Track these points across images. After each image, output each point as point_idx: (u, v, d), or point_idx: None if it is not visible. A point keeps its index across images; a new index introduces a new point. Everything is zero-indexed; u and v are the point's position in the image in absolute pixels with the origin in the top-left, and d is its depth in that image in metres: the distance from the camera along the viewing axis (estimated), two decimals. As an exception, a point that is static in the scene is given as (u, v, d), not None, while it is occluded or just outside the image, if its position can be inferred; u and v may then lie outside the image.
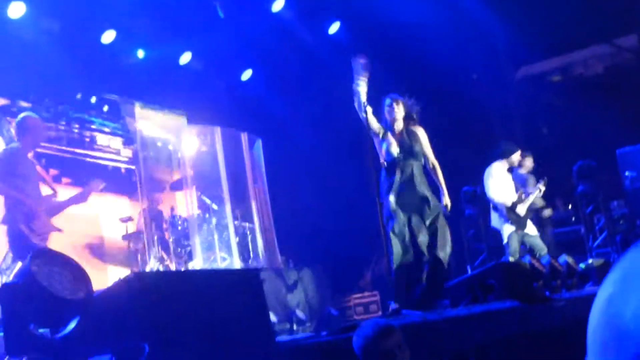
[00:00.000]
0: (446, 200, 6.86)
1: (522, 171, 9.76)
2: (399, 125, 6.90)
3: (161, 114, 11.13)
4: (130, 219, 10.08)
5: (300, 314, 9.83)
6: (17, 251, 6.41)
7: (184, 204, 10.37)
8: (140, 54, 10.90)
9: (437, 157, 7.07)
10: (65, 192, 7.57)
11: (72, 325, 3.87)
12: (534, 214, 9.60)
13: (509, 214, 8.85)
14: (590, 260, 9.44)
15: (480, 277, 6.49)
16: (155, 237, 9.56)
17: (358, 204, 9.74)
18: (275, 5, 11.31)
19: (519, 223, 8.86)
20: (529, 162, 9.83)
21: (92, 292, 4.07)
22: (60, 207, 6.78)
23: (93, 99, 10.78)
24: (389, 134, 6.85)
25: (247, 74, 12.60)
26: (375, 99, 6.82)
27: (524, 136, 13.01)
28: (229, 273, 6.51)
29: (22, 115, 6.88)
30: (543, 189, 9.25)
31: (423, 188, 6.76)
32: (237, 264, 9.52)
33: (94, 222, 10.50)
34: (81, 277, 4.08)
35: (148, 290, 3.89)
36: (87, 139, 10.89)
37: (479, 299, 6.33)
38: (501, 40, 13.21)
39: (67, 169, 10.33)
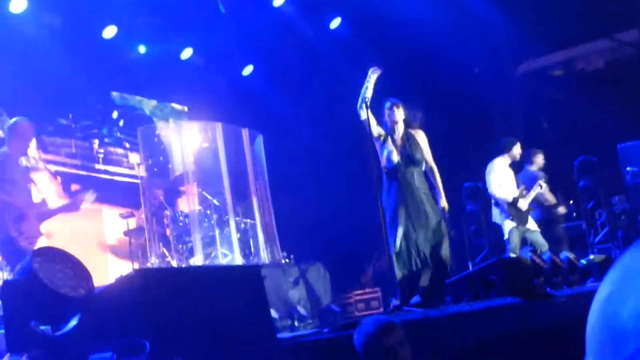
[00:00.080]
0: (443, 203, 6.94)
1: (533, 168, 9.77)
2: (400, 128, 6.93)
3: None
4: (131, 214, 10.09)
5: (301, 310, 9.82)
6: (4, 254, 6.42)
7: (185, 200, 10.37)
8: (142, 49, 10.91)
9: (438, 153, 7.10)
10: (82, 214, 7.68)
11: (73, 322, 3.87)
12: (546, 210, 9.61)
13: (510, 209, 8.86)
14: (591, 256, 9.43)
15: (482, 274, 6.48)
16: (156, 234, 9.56)
17: (359, 200, 9.75)
18: (277, 0, 11.31)
19: (520, 218, 8.88)
20: (539, 159, 9.82)
21: (93, 289, 4.08)
22: (50, 214, 6.77)
23: (115, 114, 10.86)
24: (390, 140, 6.89)
25: (248, 70, 12.61)
26: (376, 100, 6.83)
27: (525, 131, 12.98)
28: (230, 269, 6.52)
29: (13, 119, 6.81)
30: (544, 185, 9.24)
31: (424, 193, 6.81)
32: (238, 260, 9.52)
33: (95, 218, 10.50)
34: (82, 274, 4.09)
35: (149, 287, 3.89)
36: (102, 155, 10.94)
37: (480, 295, 6.32)
38: (502, 35, 13.20)
39: (86, 185, 10.38)
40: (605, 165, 10.57)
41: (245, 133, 10.40)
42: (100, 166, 10.84)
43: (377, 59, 6.93)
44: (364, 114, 6.69)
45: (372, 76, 6.68)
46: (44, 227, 6.71)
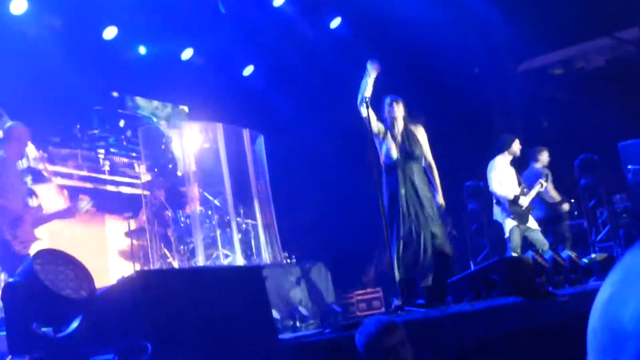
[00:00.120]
0: (440, 199, 6.95)
1: (538, 165, 9.76)
2: (399, 124, 6.94)
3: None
4: (133, 216, 10.08)
5: (303, 310, 9.81)
6: None
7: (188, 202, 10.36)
8: (142, 50, 10.91)
9: (439, 152, 7.10)
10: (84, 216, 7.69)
11: (74, 324, 3.87)
12: (551, 208, 9.61)
13: (511, 207, 8.86)
14: (593, 255, 9.44)
15: (483, 273, 6.48)
16: (158, 235, 9.56)
17: (360, 200, 9.74)
18: (277, 0, 11.31)
19: (521, 217, 8.87)
20: (544, 157, 9.81)
21: (94, 291, 4.07)
22: (45, 220, 6.80)
23: (121, 123, 10.86)
24: (389, 136, 6.90)
25: (248, 70, 12.60)
26: (376, 96, 6.83)
27: (526, 130, 12.97)
28: (231, 270, 6.52)
29: (8, 123, 6.85)
30: (545, 184, 9.23)
31: (423, 189, 6.81)
32: (239, 260, 9.52)
33: (97, 220, 10.50)
34: (84, 275, 4.08)
35: (151, 288, 3.89)
36: (108, 166, 10.93)
37: (481, 294, 6.32)
38: (502, 34, 13.19)
39: (92, 196, 10.39)
40: (606, 164, 10.56)
41: (246, 133, 10.40)
42: (107, 177, 10.82)
43: (377, 58, 6.91)
44: (365, 111, 6.70)
45: (372, 72, 6.67)
46: (44, 229, 6.71)
